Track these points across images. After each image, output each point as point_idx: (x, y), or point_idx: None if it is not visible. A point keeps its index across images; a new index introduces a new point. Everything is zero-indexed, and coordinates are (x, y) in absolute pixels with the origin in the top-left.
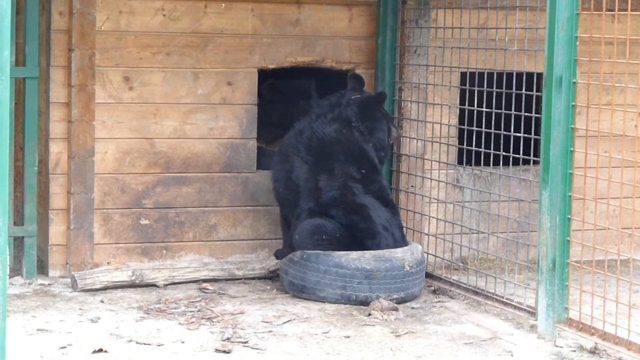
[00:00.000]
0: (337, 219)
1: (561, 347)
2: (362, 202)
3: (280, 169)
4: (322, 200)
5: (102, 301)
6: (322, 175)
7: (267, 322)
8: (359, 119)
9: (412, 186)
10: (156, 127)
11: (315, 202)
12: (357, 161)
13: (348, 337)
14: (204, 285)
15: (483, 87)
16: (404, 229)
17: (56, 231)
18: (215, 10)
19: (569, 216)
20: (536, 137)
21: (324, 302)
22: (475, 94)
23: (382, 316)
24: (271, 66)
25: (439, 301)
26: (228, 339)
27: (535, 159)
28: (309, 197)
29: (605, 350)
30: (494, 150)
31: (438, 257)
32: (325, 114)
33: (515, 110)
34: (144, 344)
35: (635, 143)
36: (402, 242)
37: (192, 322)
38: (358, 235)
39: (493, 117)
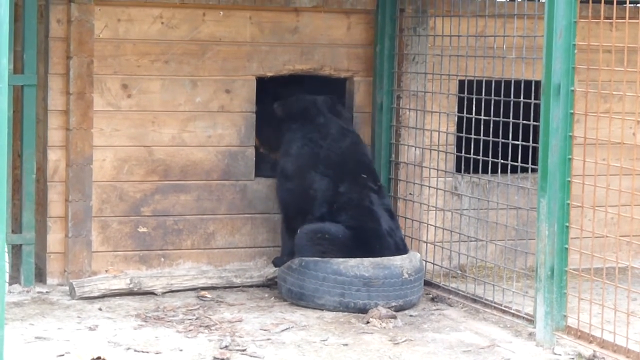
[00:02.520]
0: (344, 222)
1: (559, 354)
2: (376, 209)
3: (291, 189)
4: (337, 205)
5: (100, 309)
6: (344, 183)
7: (265, 330)
8: (349, 126)
9: (410, 194)
10: (154, 134)
11: (328, 208)
12: (372, 175)
13: (346, 344)
14: (202, 293)
15: (481, 94)
16: (404, 238)
17: (54, 239)
18: (213, 18)
19: (567, 224)
20: (534, 145)
21: (322, 309)
22: (474, 102)
23: (380, 324)
24: (269, 74)
25: (437, 309)
26: (226, 346)
27: (533, 166)
28: (323, 203)
29: (603, 358)
30: (492, 158)
31: (436, 264)
32: (329, 133)
33: (513, 118)
34: (142, 351)
35: (634, 151)
36: (403, 250)
37: (190, 330)
38: (364, 235)
39: (491, 125)
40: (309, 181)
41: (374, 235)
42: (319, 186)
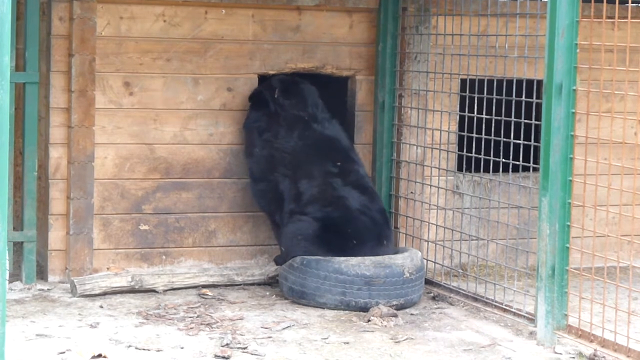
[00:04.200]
0: (311, 215)
1: (560, 353)
2: (340, 194)
3: (263, 190)
4: (301, 203)
5: (101, 306)
6: (302, 181)
7: (266, 328)
8: (302, 107)
9: (411, 192)
10: (156, 132)
11: (295, 204)
12: (330, 156)
13: (347, 343)
14: (204, 290)
15: (483, 94)
16: (388, 213)
17: (56, 236)
18: (215, 16)
19: (569, 223)
20: (536, 144)
21: (324, 308)
22: (475, 101)
23: (381, 322)
24: (271, 72)
25: (438, 307)
26: (227, 344)
27: (534, 166)
28: (290, 201)
29: (604, 357)
30: (493, 157)
31: (437, 263)
32: (279, 130)
33: (515, 117)
34: (143, 349)
35: (635, 150)
36: (385, 225)
37: (191, 328)
38: (334, 224)
39: (493, 124)
40: (274, 183)
41: (344, 220)
42: (283, 187)
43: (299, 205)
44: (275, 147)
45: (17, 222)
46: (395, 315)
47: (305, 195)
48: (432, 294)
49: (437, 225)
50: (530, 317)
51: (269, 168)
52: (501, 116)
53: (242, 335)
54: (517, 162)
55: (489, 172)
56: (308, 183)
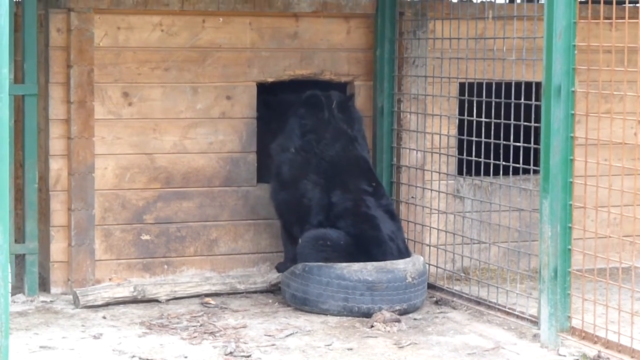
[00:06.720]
0: (344, 229)
1: (564, 355)
2: (374, 214)
3: (287, 194)
4: (332, 214)
5: (104, 317)
6: (335, 191)
7: (269, 336)
8: (350, 126)
9: (412, 197)
10: (156, 142)
11: (325, 216)
12: (366, 176)
13: (351, 349)
14: (206, 299)
15: (482, 97)
16: (406, 240)
17: (57, 248)
18: (213, 25)
19: (570, 225)
20: (536, 146)
21: (327, 314)
22: (474, 104)
23: (384, 328)
24: (270, 79)
25: (441, 312)
26: (231, 353)
27: (535, 168)
28: (319, 212)
29: (608, 358)
30: (493, 160)
31: (440, 267)
32: (324, 135)
33: (514, 120)
34: (147, 359)
35: (635, 151)
36: (406, 253)
37: (194, 337)
38: (365, 243)
39: (492, 127)
40: (302, 190)
41: (375, 242)
42: (312, 195)
43: (329, 218)
44: (315, 151)
45: (19, 235)
46: (399, 321)
47: (337, 207)
48: (434, 299)
49: (438, 230)
50: (533, 319)
51: (301, 173)
52: (500, 119)
53: (245, 343)
54: (518, 165)
55: (489, 175)
56: (342, 195)
